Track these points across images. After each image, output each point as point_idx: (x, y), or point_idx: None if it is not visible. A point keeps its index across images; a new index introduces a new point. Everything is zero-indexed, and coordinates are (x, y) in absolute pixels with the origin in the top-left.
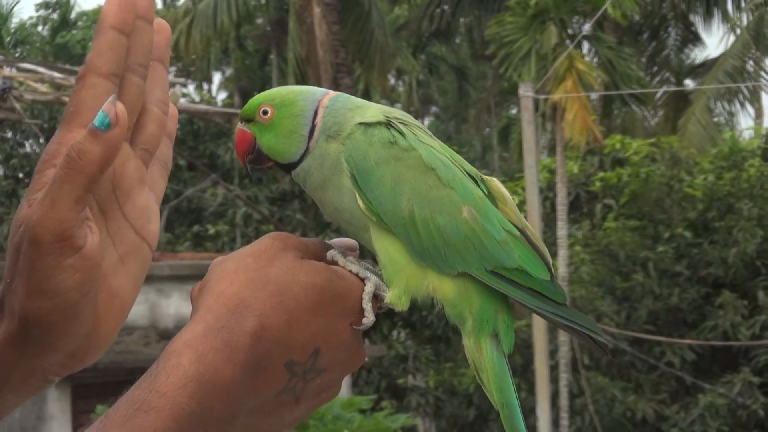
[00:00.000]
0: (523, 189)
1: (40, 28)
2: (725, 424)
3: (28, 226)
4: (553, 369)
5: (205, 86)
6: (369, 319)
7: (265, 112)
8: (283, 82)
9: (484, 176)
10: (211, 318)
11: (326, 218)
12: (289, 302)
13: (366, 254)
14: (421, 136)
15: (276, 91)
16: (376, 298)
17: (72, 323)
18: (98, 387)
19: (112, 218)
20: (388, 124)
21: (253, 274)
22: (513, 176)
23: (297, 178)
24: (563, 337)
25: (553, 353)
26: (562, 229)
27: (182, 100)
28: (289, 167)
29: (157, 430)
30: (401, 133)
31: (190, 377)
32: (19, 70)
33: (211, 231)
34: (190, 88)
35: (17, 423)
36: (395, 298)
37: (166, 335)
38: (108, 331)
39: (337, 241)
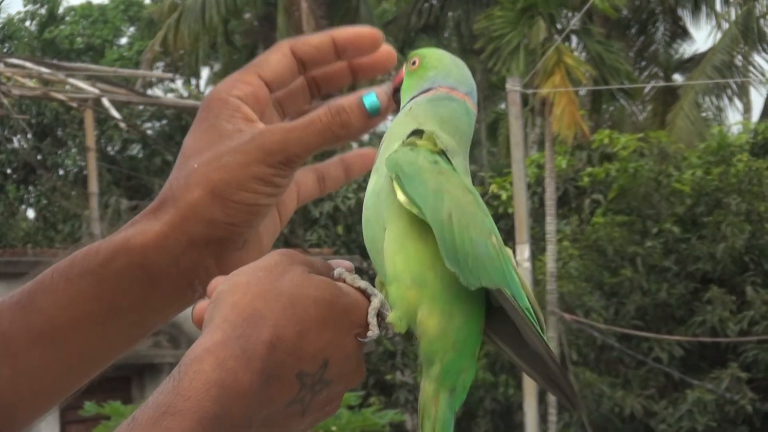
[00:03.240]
0: (511, 184)
1: (28, 23)
2: (713, 419)
3: (269, 140)
4: None
5: (193, 81)
6: (374, 332)
7: (414, 63)
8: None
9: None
10: (228, 327)
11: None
12: (301, 314)
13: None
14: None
15: (430, 52)
16: (380, 315)
17: (245, 225)
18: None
19: None
20: (440, 151)
21: (265, 287)
22: (501, 171)
23: None
24: (551, 332)
25: None
26: (550, 225)
27: (170, 95)
28: None
29: (184, 431)
30: (448, 162)
31: (212, 382)
32: (7, 65)
33: None
34: (179, 84)
35: None
36: (396, 319)
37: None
38: (248, 262)
39: (336, 262)
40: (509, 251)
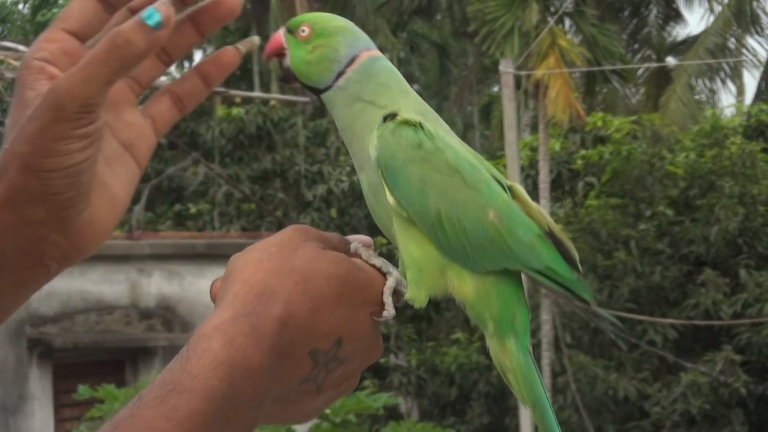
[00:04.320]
0: (505, 167)
1: (20, 6)
2: (707, 402)
3: (56, 93)
4: (535, 347)
5: (186, 64)
6: (389, 312)
7: (303, 31)
8: (264, 61)
9: (509, 183)
10: (238, 304)
11: (353, 164)
12: (314, 290)
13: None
14: (448, 138)
15: (321, 16)
16: (396, 292)
17: (71, 188)
18: (79, 367)
19: None
20: (418, 126)
21: (277, 263)
22: (494, 154)
23: (326, 103)
24: (545, 315)
25: (535, 332)
26: (544, 207)
27: (163, 78)
28: (313, 89)
29: (191, 410)
30: (429, 135)
31: (221, 360)
32: (0, 48)
33: (193, 210)
34: (171, 67)
35: None
36: (414, 294)
37: (147, 314)
38: (103, 220)
39: (354, 237)
40: (518, 189)
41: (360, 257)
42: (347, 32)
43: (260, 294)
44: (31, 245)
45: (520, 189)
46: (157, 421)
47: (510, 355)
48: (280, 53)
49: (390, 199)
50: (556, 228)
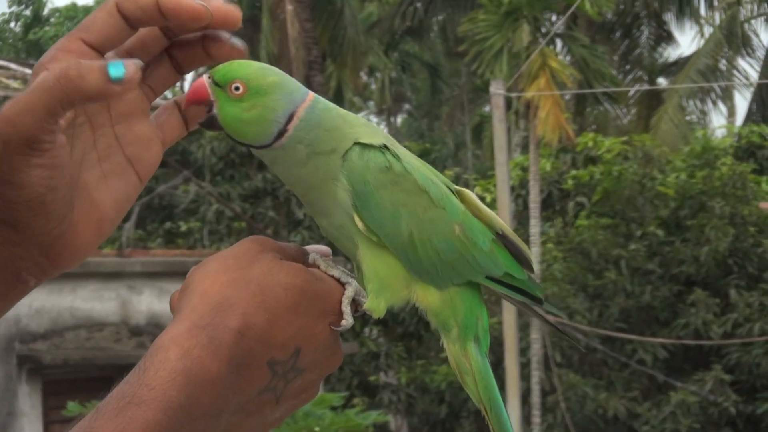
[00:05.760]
0: (495, 187)
1: (12, 24)
2: (697, 421)
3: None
4: (525, 366)
5: (178, 83)
6: (348, 321)
7: (236, 88)
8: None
9: (458, 188)
10: (195, 316)
11: (306, 211)
12: (271, 301)
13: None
14: (409, 157)
15: (254, 72)
16: (355, 302)
17: (38, 216)
18: (69, 383)
19: (101, 134)
20: (383, 148)
21: (235, 274)
22: (486, 174)
23: (261, 157)
24: (535, 334)
25: (524, 351)
26: (534, 227)
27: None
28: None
29: (148, 421)
30: (396, 157)
31: (178, 371)
32: None
33: (183, 228)
34: None
35: None
36: (374, 304)
37: (137, 332)
38: (85, 240)
39: (312, 247)
40: (466, 194)
41: (318, 268)
42: (282, 88)
43: (217, 306)
44: (7, 263)
45: (470, 193)
46: None
47: (471, 358)
48: (203, 103)
49: (359, 224)
50: (508, 230)
